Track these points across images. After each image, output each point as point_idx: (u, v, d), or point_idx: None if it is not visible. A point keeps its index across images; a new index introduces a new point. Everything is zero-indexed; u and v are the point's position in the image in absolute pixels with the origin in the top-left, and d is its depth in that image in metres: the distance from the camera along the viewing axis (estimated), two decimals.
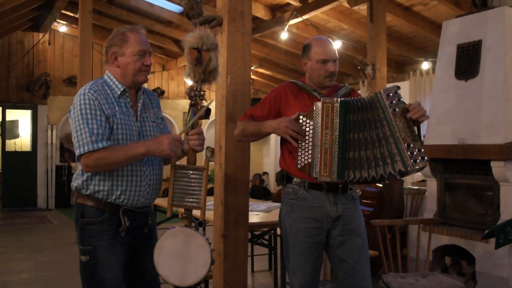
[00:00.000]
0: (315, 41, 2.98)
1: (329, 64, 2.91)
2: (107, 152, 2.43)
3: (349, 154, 2.71)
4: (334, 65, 2.92)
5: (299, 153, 2.77)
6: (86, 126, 2.43)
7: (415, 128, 2.68)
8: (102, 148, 2.42)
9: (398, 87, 2.73)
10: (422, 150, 2.63)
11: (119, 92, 2.58)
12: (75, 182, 2.59)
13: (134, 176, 2.55)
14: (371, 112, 2.71)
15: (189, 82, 2.71)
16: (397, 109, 2.66)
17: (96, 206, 2.53)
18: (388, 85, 2.72)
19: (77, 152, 2.46)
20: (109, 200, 2.52)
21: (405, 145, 2.63)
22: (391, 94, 2.69)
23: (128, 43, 2.58)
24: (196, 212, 2.62)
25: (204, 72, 2.64)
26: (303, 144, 2.77)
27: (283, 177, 2.93)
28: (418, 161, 2.61)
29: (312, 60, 2.94)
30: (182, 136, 2.65)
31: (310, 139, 2.75)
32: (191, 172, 2.62)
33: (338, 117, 2.71)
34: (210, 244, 2.54)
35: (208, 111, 2.66)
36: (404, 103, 2.68)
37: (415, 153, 2.62)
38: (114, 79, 2.61)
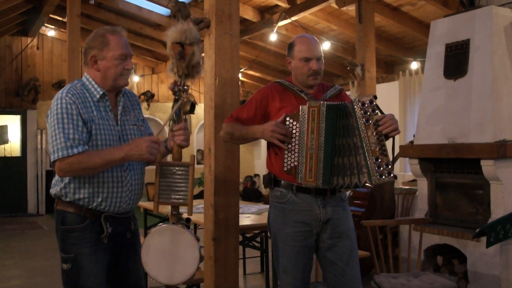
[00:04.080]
0: (298, 39, 2.95)
1: (312, 62, 2.86)
2: (82, 157, 2.37)
3: (334, 160, 2.68)
4: (318, 63, 2.87)
5: (286, 156, 2.73)
6: (62, 131, 2.37)
7: (386, 141, 2.67)
8: (77, 153, 2.36)
9: (375, 97, 2.68)
10: (390, 165, 2.63)
11: (98, 96, 2.52)
12: (54, 189, 2.55)
13: (115, 183, 2.50)
14: (347, 119, 2.68)
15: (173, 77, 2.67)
16: (370, 121, 2.64)
17: (77, 212, 2.48)
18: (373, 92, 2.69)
19: (51, 158, 2.41)
20: (90, 207, 2.47)
21: (373, 158, 2.63)
22: (366, 104, 2.65)
23: (109, 46, 2.50)
24: (184, 209, 2.59)
25: (188, 67, 2.61)
26: (290, 146, 2.73)
27: (271, 180, 2.89)
28: (384, 176, 2.63)
29: (296, 58, 2.91)
30: (167, 130, 2.62)
31: (297, 142, 2.71)
32: (176, 168, 2.58)
33: (324, 122, 2.66)
34: (198, 240, 2.51)
35: (192, 105, 2.62)
36: (378, 114, 2.65)
37: (382, 167, 2.63)
38: (93, 82, 2.54)
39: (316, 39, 2.97)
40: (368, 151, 2.64)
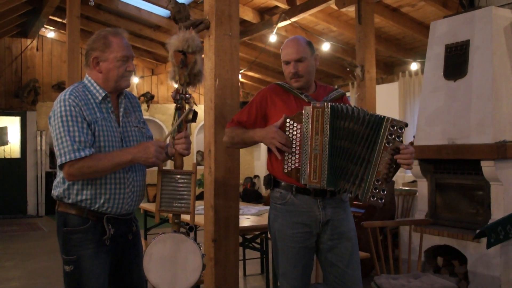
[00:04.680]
0: (284, 43, 2.99)
1: (290, 65, 2.89)
2: (91, 161, 2.38)
3: (339, 162, 2.69)
4: (296, 65, 2.88)
5: (286, 158, 2.73)
6: (68, 134, 2.37)
7: (394, 168, 2.68)
8: (85, 156, 2.36)
9: (407, 125, 2.70)
10: (385, 192, 2.66)
11: (100, 98, 2.52)
12: (56, 191, 2.54)
13: (118, 184, 2.50)
14: (369, 130, 2.67)
15: (175, 85, 2.67)
16: (390, 144, 2.64)
17: (79, 214, 2.47)
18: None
19: (58, 161, 2.41)
20: (92, 209, 2.47)
21: (375, 179, 2.65)
22: (395, 128, 2.66)
23: (111, 48, 2.50)
24: (186, 217, 2.59)
25: (190, 75, 2.61)
26: (290, 149, 2.73)
27: (270, 182, 2.89)
28: (375, 198, 2.66)
29: (282, 61, 2.96)
30: (168, 140, 2.62)
31: (298, 144, 2.71)
32: (178, 176, 2.58)
33: (328, 123, 2.66)
34: (200, 248, 2.51)
35: (194, 114, 2.63)
36: (400, 142, 2.66)
37: (377, 190, 2.65)
38: (95, 84, 2.54)
39: (304, 40, 2.96)
40: (374, 169, 2.65)
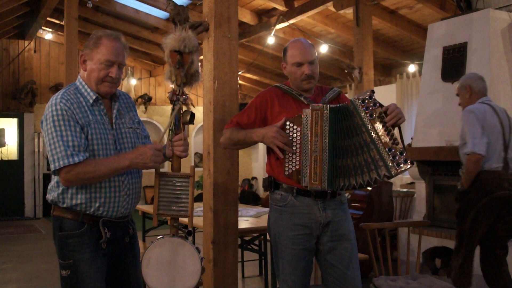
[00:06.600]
0: (291, 44, 2.96)
1: (304, 66, 2.86)
2: (88, 167, 2.34)
3: (339, 162, 2.68)
4: (310, 67, 2.86)
5: (286, 160, 2.73)
6: (61, 139, 2.33)
7: (396, 130, 2.66)
8: (79, 162, 2.32)
9: (373, 91, 2.69)
10: (404, 153, 2.61)
11: (91, 101, 2.48)
12: (51, 195, 2.50)
13: (113, 187, 2.46)
14: (350, 119, 2.68)
15: (171, 85, 2.64)
16: (374, 115, 2.64)
17: (74, 218, 2.43)
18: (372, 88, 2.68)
19: (52, 167, 2.36)
20: (87, 212, 2.43)
21: (386, 149, 2.61)
22: (366, 100, 2.65)
23: (99, 49, 2.45)
24: (185, 220, 2.58)
25: (186, 75, 2.58)
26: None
27: (271, 184, 2.89)
28: (401, 164, 2.59)
29: (289, 63, 2.92)
30: (164, 140, 2.60)
31: (298, 146, 2.71)
32: (176, 179, 2.55)
33: (327, 125, 2.66)
34: (199, 252, 2.49)
35: (192, 115, 2.59)
36: (380, 106, 2.65)
37: (397, 157, 2.60)
38: (86, 86, 2.50)
39: (310, 42, 2.96)
40: (379, 144, 2.62)
